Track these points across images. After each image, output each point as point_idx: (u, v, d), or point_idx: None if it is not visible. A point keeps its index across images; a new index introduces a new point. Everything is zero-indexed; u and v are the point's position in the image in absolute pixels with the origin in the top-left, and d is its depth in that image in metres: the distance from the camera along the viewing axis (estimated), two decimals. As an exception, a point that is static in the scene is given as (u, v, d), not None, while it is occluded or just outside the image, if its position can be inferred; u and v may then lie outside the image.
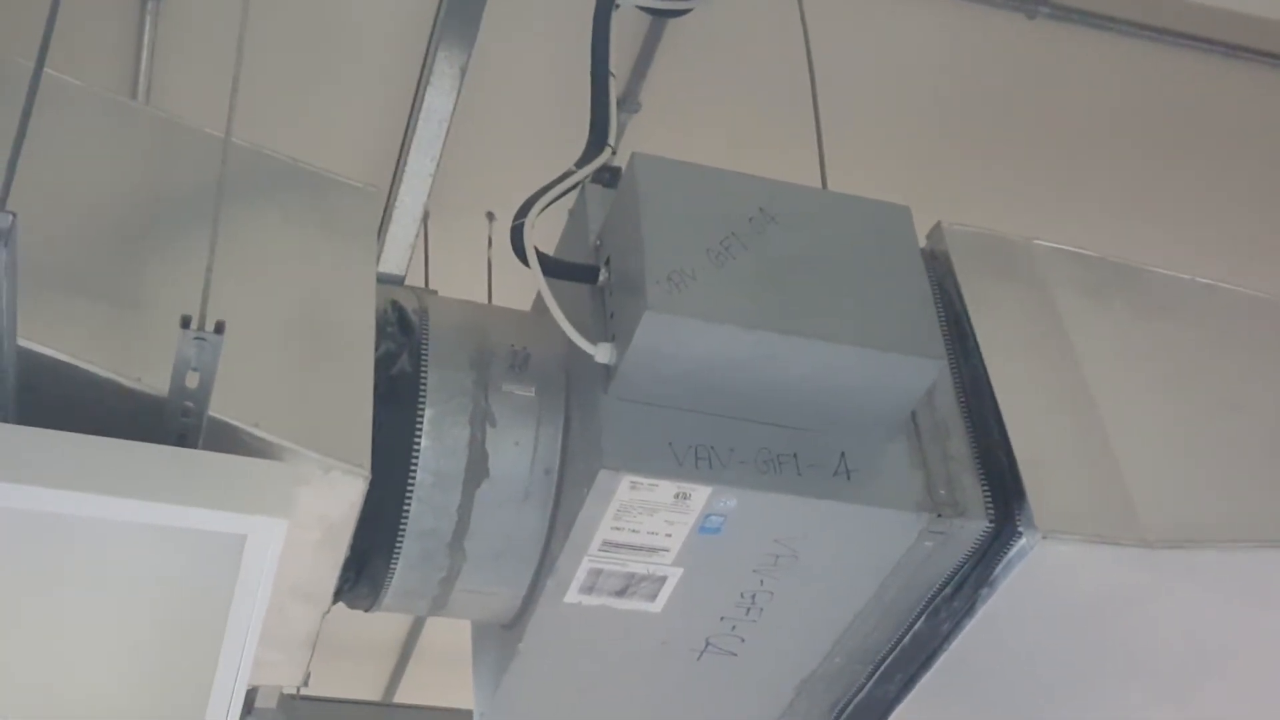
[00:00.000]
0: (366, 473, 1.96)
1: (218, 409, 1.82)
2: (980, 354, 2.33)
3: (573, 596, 2.18)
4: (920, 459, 2.19)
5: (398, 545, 2.17)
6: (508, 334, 2.31)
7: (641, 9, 3.12)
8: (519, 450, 2.20)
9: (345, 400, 2.04)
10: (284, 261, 2.18)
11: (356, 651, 5.53)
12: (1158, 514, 2.21)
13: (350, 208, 2.32)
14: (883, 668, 2.37)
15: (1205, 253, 3.66)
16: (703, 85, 3.56)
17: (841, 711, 2.44)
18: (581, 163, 2.43)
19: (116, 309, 1.94)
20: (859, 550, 2.16)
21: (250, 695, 2.63)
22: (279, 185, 2.27)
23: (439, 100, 3.17)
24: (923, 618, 2.29)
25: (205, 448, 1.82)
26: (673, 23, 3.35)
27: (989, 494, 2.18)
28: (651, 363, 2.02)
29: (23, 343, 1.77)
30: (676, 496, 2.04)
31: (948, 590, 2.25)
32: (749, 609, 2.24)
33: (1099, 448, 2.30)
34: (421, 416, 2.17)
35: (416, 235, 3.63)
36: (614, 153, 2.47)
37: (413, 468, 2.15)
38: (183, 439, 1.78)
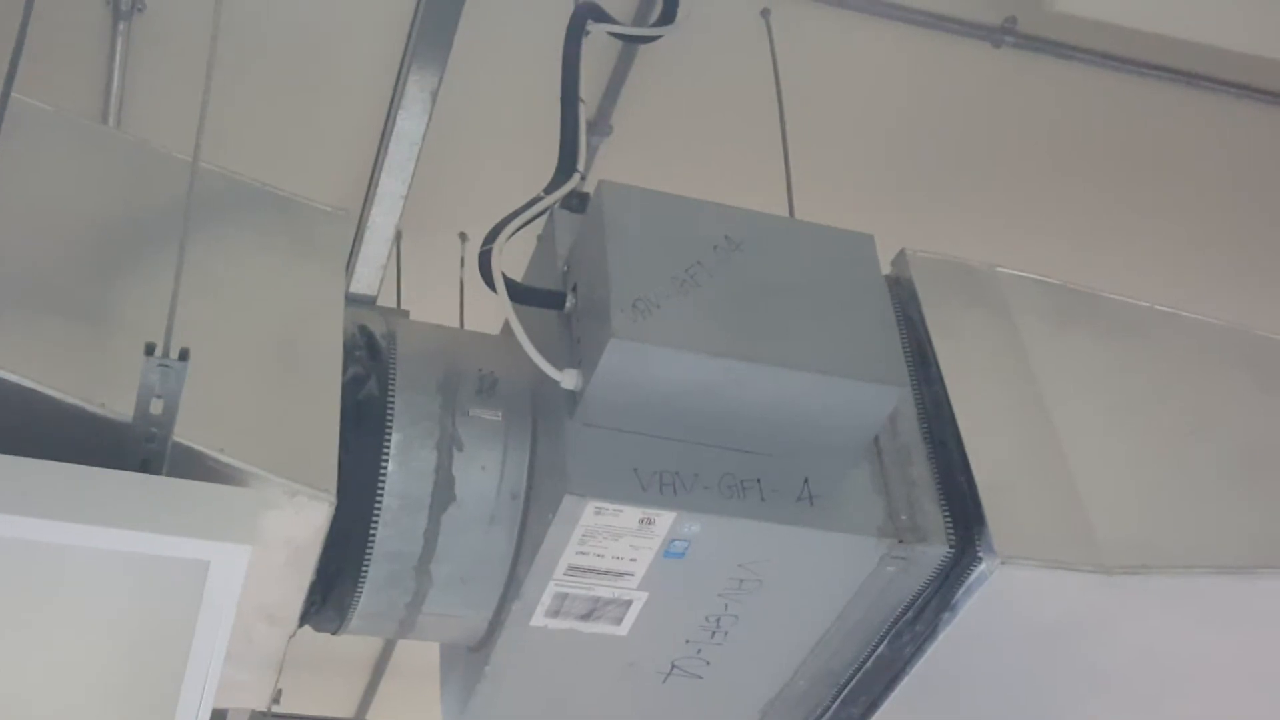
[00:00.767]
0: (332, 497, 1.97)
1: (183, 434, 1.83)
2: (942, 379, 2.36)
3: (539, 620, 2.19)
4: (882, 484, 2.21)
5: (364, 569, 2.18)
6: (476, 358, 2.33)
7: (613, 35, 3.15)
8: (485, 474, 2.21)
9: (312, 424, 2.06)
10: (252, 285, 2.19)
11: (329, 668, 5.52)
12: (1117, 538, 2.24)
13: (319, 231, 2.34)
14: (847, 690, 2.39)
15: (1167, 279, 3.71)
16: (674, 109, 3.59)
17: (807, 733, 2.46)
18: (550, 188, 2.45)
19: (82, 333, 1.95)
20: (822, 575, 2.18)
21: (220, 717, 2.64)
22: (248, 209, 2.28)
23: (410, 123, 3.20)
24: (885, 641, 2.31)
25: (171, 473, 1.83)
26: (644, 47, 3.38)
27: (950, 519, 2.21)
28: (616, 389, 2.04)
29: (-13, 367, 1.78)
30: (641, 522, 2.05)
31: (910, 614, 2.27)
32: (714, 632, 2.25)
33: (1060, 472, 2.33)
34: (388, 440, 2.18)
35: (389, 256, 3.66)
36: (583, 178, 2.49)
37: (379, 492, 2.16)
38: (147, 464, 1.79)
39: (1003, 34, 3.33)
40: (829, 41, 3.35)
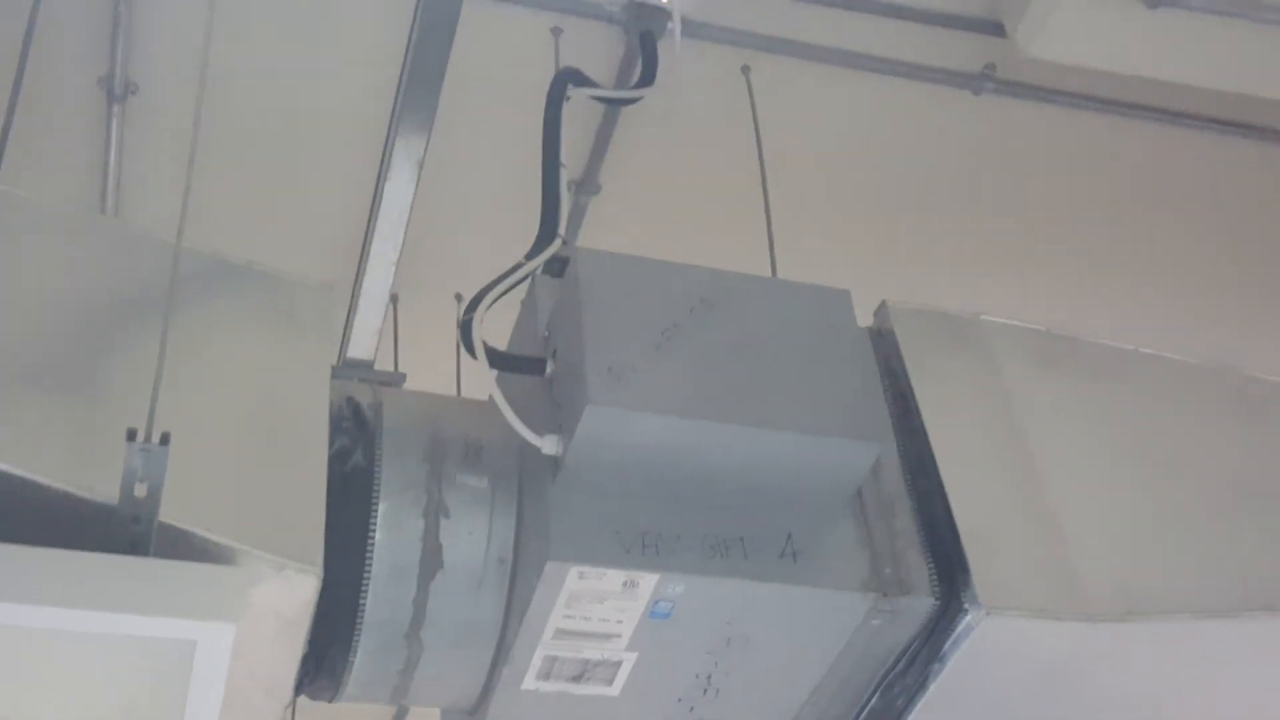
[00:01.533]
0: (319, 570, 2.00)
1: (169, 514, 1.87)
2: (925, 430, 2.38)
3: (530, 683, 2.21)
4: (866, 537, 2.23)
5: (355, 638, 2.20)
6: (462, 425, 2.36)
7: (595, 98, 3.20)
8: (473, 540, 2.24)
9: (298, 498, 2.08)
10: (238, 362, 2.23)
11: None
12: (1102, 584, 2.25)
13: (304, 306, 2.37)
14: (843, 743, 2.40)
15: (1154, 321, 3.73)
16: (661, 165, 3.63)
17: (804, 786, 2.47)
18: (532, 254, 2.48)
19: (69, 416, 1.98)
20: (808, 630, 2.20)
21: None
22: (233, 287, 2.32)
23: (398, 191, 3.26)
24: (877, 693, 2.32)
25: (158, 553, 1.86)
26: (627, 107, 3.42)
27: (934, 570, 2.22)
28: (596, 453, 2.07)
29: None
30: (625, 584, 2.08)
31: (900, 665, 2.28)
32: (705, 689, 2.27)
33: (1044, 519, 2.34)
34: (376, 510, 2.21)
35: (384, 320, 3.72)
36: (564, 243, 2.53)
37: (368, 562, 2.18)
38: (134, 546, 1.83)
39: (982, 80, 3.36)
40: (809, 96, 3.40)
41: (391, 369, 3.96)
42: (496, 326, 2.52)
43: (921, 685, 2.28)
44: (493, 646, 2.26)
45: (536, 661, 2.18)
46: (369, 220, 3.41)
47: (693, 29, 3.17)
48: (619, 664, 2.20)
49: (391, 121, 3.19)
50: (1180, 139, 3.50)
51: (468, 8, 3.04)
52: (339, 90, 3.47)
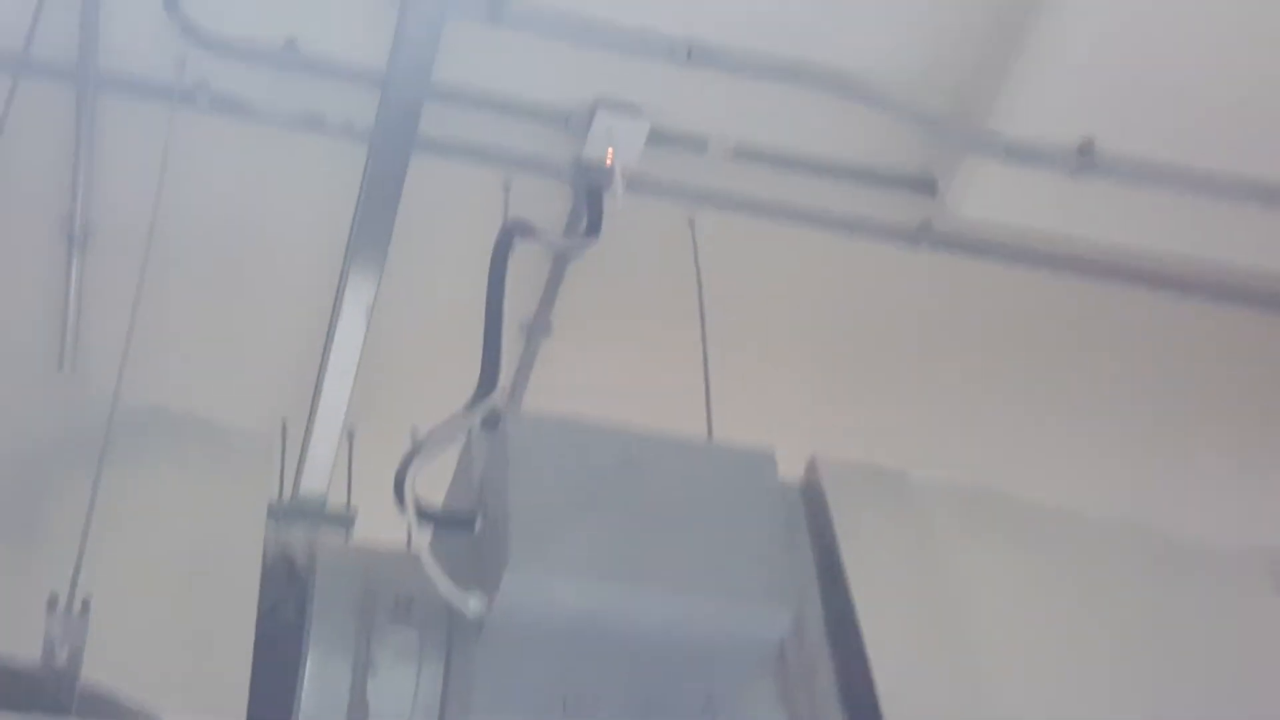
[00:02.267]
0: (242, 727, 2.03)
1: (92, 674, 1.90)
2: (849, 589, 2.43)
3: (453, 837, 2.23)
4: (787, 697, 2.27)
5: (281, 791, 2.23)
6: (395, 578, 2.39)
7: (542, 248, 3.29)
8: (400, 695, 2.27)
9: (224, 653, 2.11)
10: (172, 515, 2.27)
11: None
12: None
13: (242, 456, 2.43)
14: None
15: (1088, 469, 3.79)
16: (609, 309, 3.71)
17: None
18: (470, 405, 2.54)
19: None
20: (727, 790, 2.23)
21: None
22: (171, 438, 2.37)
23: (349, 334, 3.34)
24: None
25: (80, 713, 1.89)
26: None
27: (853, 732, 2.26)
28: (518, 614, 2.11)
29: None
30: (546, 744, 2.11)
31: (821, 824, 2.31)
32: (629, 846, 2.29)
33: (964, 679, 2.38)
34: (304, 664, 2.24)
35: (336, 456, 3.76)
36: (503, 393, 2.59)
37: (294, 716, 2.21)
38: (56, 708, 1.85)
39: (919, 236, 3.46)
40: (752, 247, 3.49)
41: (345, 503, 3.98)
42: (435, 476, 2.58)
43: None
44: (419, 800, 2.28)
45: (462, 817, 2.20)
46: (321, 362, 3.47)
47: (638, 183, 3.27)
48: (541, 820, 2.22)
49: (343, 268, 3.27)
50: (1113, 294, 3.58)
51: (418, 159, 3.14)
52: (295, 230, 3.55)
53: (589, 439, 2.29)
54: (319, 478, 3.74)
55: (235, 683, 2.09)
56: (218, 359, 3.81)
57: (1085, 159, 3.00)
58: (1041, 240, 3.43)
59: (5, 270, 3.37)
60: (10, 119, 2.78)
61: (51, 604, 1.75)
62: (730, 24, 3.02)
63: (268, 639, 2.21)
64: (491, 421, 2.52)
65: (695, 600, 2.14)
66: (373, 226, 3.13)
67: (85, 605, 1.77)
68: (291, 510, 3.72)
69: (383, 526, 2.62)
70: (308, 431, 3.64)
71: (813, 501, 2.58)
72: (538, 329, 3.76)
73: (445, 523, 2.32)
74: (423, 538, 2.25)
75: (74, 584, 1.80)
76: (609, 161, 3.14)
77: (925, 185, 3.29)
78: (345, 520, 3.80)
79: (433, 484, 2.58)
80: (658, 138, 3.21)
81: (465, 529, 2.30)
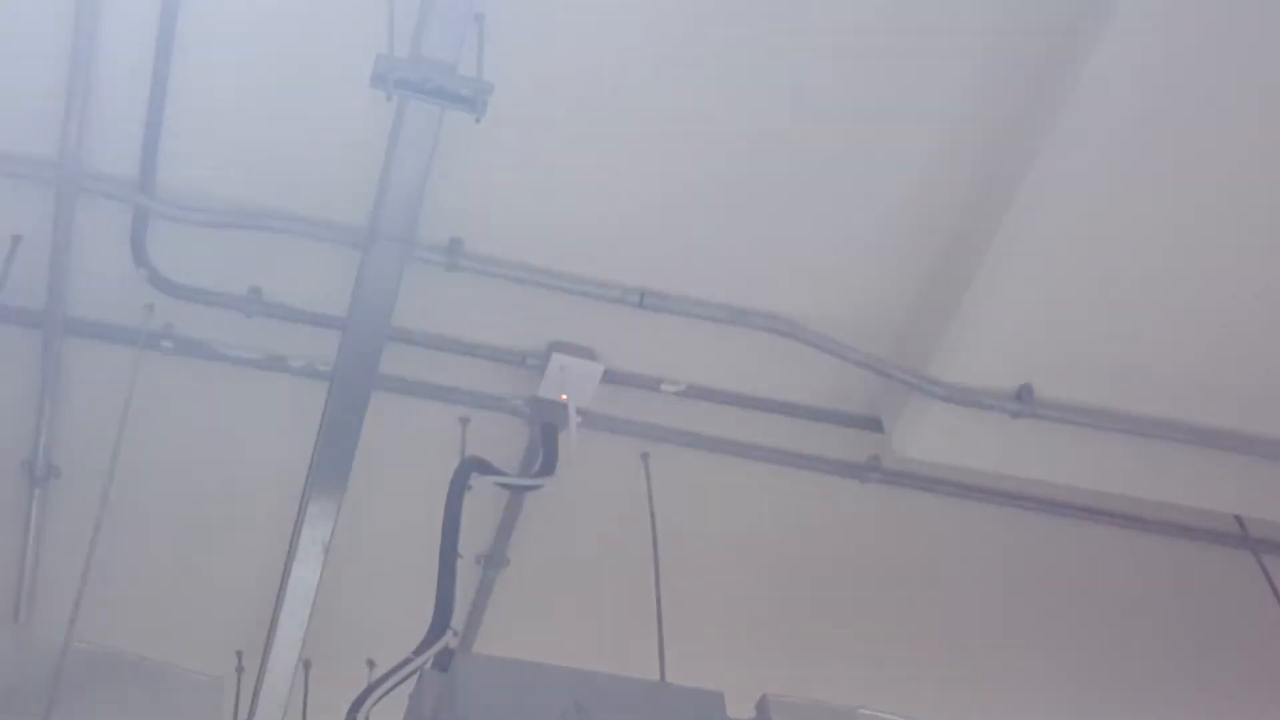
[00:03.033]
0: None
1: None
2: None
3: None
4: None
5: None
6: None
7: (498, 485, 3.35)
8: None
9: None
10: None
11: None
12: None
13: (190, 701, 2.44)
14: None
15: (1034, 706, 3.81)
16: (564, 542, 3.76)
17: None
18: (421, 649, 2.57)
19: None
20: None
21: None
22: (120, 683, 2.39)
23: (304, 573, 3.36)
24: None
25: None
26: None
27: None
28: None
29: None
30: None
31: None
32: None
33: None
34: None
35: (289, 691, 3.74)
36: (455, 635, 2.62)
37: None
38: None
39: (867, 471, 3.54)
40: (705, 481, 3.56)
41: (298, 741, 3.95)
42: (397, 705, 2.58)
43: None
44: None
45: None
46: (278, 595, 3.49)
47: (593, 420, 3.35)
48: None
49: (301, 503, 3.31)
50: (1060, 527, 3.66)
51: (378, 397, 3.21)
52: (255, 467, 3.60)
53: (540, 680, 2.32)
54: (273, 712, 3.71)
55: None
56: (176, 593, 3.82)
57: (1024, 404, 3.11)
58: (988, 476, 3.51)
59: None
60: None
61: None
62: (680, 273, 3.13)
63: None
64: (443, 661, 2.55)
65: None
66: (331, 464, 3.18)
67: None
68: (244, 748, 3.69)
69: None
70: (263, 665, 3.63)
71: (764, 738, 2.61)
72: (494, 562, 3.79)
73: (395, 767, 2.32)
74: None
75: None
76: (564, 399, 3.22)
77: (873, 423, 3.37)
78: (299, 757, 3.77)
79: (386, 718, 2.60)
80: (612, 377, 3.30)
81: (415, 771, 2.31)
